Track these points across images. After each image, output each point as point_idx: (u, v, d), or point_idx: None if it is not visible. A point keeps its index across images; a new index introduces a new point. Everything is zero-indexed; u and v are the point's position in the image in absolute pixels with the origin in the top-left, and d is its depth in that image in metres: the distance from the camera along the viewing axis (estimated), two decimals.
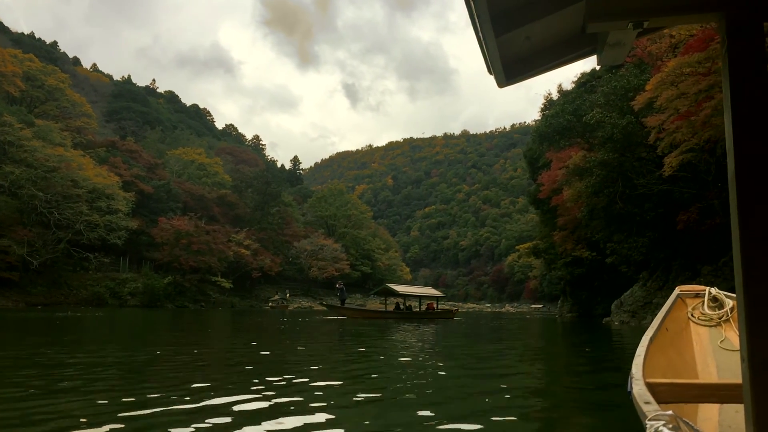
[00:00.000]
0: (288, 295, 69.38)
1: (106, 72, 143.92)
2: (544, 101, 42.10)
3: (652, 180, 23.02)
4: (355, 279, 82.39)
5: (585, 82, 32.93)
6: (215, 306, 59.79)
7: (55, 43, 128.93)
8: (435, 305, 39.66)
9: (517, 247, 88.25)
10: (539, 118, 41.20)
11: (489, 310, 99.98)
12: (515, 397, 5.39)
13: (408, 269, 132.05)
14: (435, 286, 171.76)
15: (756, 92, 1.70)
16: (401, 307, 35.89)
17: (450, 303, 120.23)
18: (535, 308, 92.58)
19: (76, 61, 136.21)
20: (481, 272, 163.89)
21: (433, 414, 4.33)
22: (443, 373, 7.16)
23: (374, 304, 37.25)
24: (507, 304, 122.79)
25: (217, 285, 63.62)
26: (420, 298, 38.98)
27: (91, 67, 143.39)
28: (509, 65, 2.28)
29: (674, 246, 24.90)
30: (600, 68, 28.19)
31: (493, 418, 4.29)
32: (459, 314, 47.98)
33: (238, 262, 67.26)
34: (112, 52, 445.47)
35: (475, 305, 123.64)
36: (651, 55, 23.40)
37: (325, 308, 40.13)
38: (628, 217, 25.35)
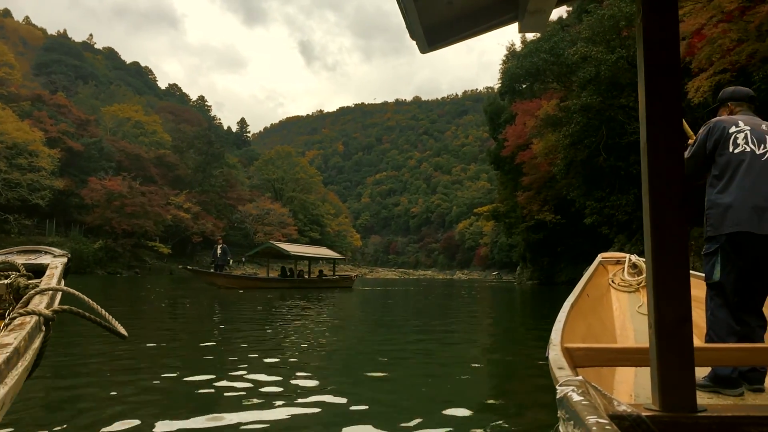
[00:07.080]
0: (231, 261, 65.49)
1: (39, 26, 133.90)
2: (506, 52, 39.26)
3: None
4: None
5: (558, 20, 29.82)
6: (151, 272, 55.71)
7: None
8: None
9: (475, 210, 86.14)
10: (499, 74, 38.35)
11: (441, 277, 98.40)
12: None
13: (358, 236, 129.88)
14: (386, 253, 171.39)
15: (669, 61, 1.71)
16: (287, 273, 29.42)
17: (400, 270, 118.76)
18: (492, 275, 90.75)
19: (6, 12, 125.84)
20: (431, 239, 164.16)
21: None
22: None
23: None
24: (458, 271, 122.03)
25: (154, 250, 59.42)
26: (311, 260, 32.42)
27: (23, 20, 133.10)
28: (431, 30, 2.16)
29: None
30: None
31: None
32: (412, 282, 45.05)
33: (177, 226, 62.85)
34: (46, 5, 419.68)
35: (425, 272, 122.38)
36: None
37: (190, 273, 31.57)
38: (611, 171, 22.49)
